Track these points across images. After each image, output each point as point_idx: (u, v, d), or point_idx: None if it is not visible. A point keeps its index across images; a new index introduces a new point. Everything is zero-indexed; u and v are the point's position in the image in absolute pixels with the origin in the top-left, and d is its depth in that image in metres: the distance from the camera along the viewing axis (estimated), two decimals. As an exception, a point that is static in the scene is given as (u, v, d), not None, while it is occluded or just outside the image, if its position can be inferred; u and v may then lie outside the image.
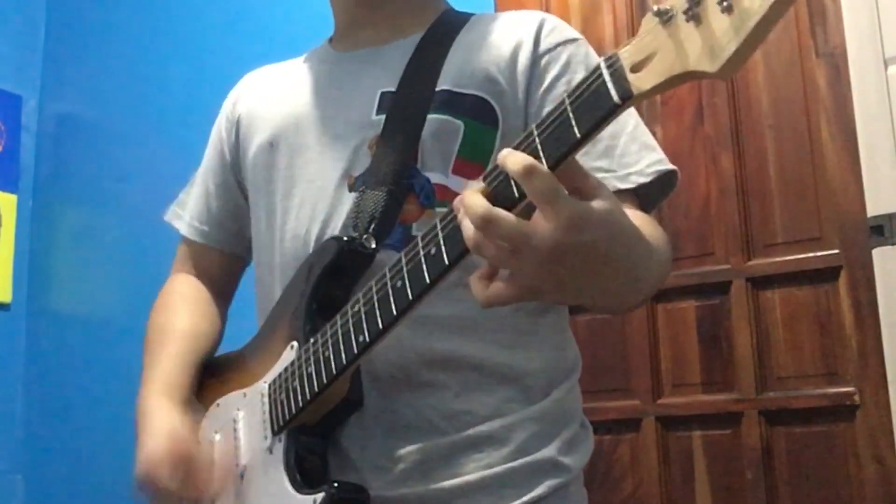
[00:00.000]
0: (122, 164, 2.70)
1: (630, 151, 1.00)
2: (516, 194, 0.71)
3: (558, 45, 1.06)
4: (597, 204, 0.70)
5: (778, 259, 1.91)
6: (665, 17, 0.61)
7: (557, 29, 1.08)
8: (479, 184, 0.74)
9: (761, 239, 1.93)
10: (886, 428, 1.73)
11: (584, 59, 1.06)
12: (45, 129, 2.89)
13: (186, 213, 1.28)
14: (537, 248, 0.69)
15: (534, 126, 0.71)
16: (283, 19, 2.49)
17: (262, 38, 2.49)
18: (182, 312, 1.20)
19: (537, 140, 0.70)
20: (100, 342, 2.61)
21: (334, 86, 1.13)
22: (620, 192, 0.97)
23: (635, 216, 0.93)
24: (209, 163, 1.26)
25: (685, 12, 0.59)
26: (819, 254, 1.86)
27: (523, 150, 0.70)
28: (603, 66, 0.66)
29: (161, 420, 1.06)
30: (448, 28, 1.11)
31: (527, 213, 0.71)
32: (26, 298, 2.77)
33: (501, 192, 0.72)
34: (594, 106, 0.66)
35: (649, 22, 0.63)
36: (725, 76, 0.58)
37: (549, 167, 0.69)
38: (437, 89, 1.04)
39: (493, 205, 0.71)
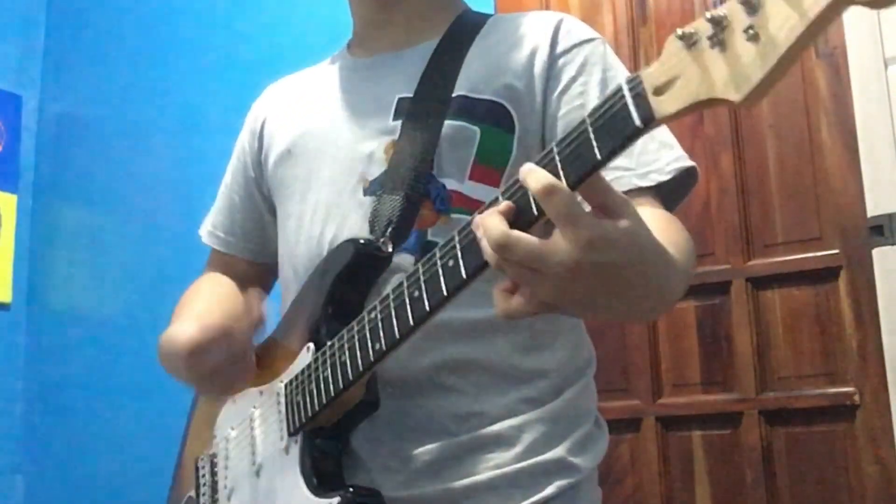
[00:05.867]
0: (122, 164, 2.70)
1: (649, 150, 0.99)
2: (535, 212, 0.70)
3: (574, 46, 1.05)
4: (621, 224, 0.69)
5: (778, 259, 1.91)
6: (690, 42, 0.60)
7: (574, 30, 1.07)
8: (499, 202, 0.73)
9: (761, 239, 1.94)
10: (886, 428, 1.73)
11: (601, 58, 1.05)
12: (45, 129, 2.89)
13: (210, 224, 1.29)
14: (555, 268, 0.68)
15: (553, 144, 0.70)
16: (283, 20, 2.50)
17: (261, 39, 2.50)
18: (208, 289, 1.19)
19: (557, 158, 0.69)
20: (100, 342, 2.61)
21: (352, 92, 1.13)
22: (641, 190, 0.97)
23: (659, 218, 0.91)
24: (233, 174, 1.27)
25: (710, 38, 0.59)
26: (819, 254, 1.86)
27: (543, 168, 0.70)
28: (625, 87, 0.65)
29: (182, 319, 1.03)
30: (465, 31, 1.10)
31: (548, 229, 0.70)
32: (26, 298, 2.78)
33: (521, 208, 0.71)
34: (616, 128, 0.65)
35: (673, 45, 0.62)
36: (750, 105, 0.58)
37: (568, 187, 0.68)
38: (453, 95, 1.04)
39: (513, 220, 0.70)
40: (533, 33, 1.06)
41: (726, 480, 1.89)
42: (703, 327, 1.96)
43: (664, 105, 0.62)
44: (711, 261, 1.97)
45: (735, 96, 0.58)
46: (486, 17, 1.15)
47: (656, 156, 0.99)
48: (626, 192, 0.95)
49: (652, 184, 0.98)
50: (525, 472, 0.97)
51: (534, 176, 0.69)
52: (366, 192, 1.04)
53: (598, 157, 0.67)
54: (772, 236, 1.92)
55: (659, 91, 0.62)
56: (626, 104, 0.64)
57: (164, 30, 2.72)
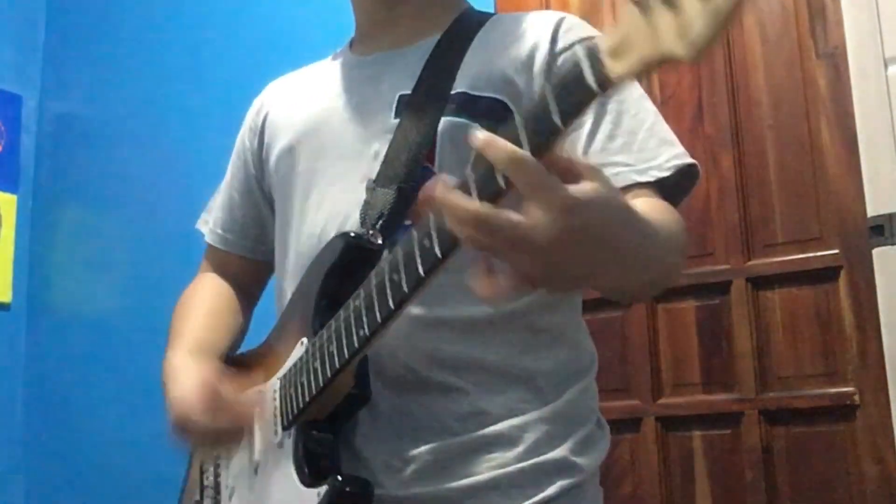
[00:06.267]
0: (122, 164, 2.70)
1: (648, 147, 0.99)
2: (502, 185, 0.69)
3: (575, 43, 1.05)
4: (588, 186, 0.69)
5: (778, 259, 1.91)
6: (643, 4, 0.61)
7: (575, 27, 1.07)
8: (448, 179, 0.72)
9: (761, 239, 1.94)
10: (886, 428, 1.73)
11: None
12: (45, 129, 2.89)
13: (211, 220, 1.29)
14: (533, 239, 0.67)
15: (516, 114, 0.70)
16: (283, 20, 2.49)
17: (261, 38, 2.50)
18: (209, 297, 1.23)
19: (520, 127, 0.69)
20: (100, 342, 2.61)
21: (354, 90, 1.13)
22: (641, 185, 0.97)
23: (649, 203, 0.92)
24: (233, 171, 1.28)
25: None
26: (819, 254, 1.86)
27: (506, 139, 0.69)
28: (580, 52, 0.65)
29: (189, 373, 1.08)
30: (466, 29, 1.11)
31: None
32: (26, 298, 2.78)
33: (485, 183, 0.70)
34: (573, 93, 0.65)
35: (627, 7, 0.63)
36: (696, 60, 0.59)
37: (532, 155, 0.68)
38: (453, 91, 1.04)
39: (479, 196, 0.69)
40: (534, 31, 1.07)
41: (726, 480, 1.89)
42: (703, 327, 1.96)
43: (618, 67, 0.63)
44: (711, 261, 1.97)
45: (681, 52, 0.59)
46: (487, 15, 1.15)
47: (656, 152, 0.99)
48: (624, 188, 0.96)
49: (651, 179, 0.98)
50: (527, 472, 0.97)
51: (496, 148, 0.68)
52: (367, 191, 1.05)
53: (558, 123, 0.66)
54: (772, 236, 1.92)
55: (615, 54, 0.63)
56: (581, 68, 0.65)
57: (164, 30, 2.72)
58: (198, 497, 1.17)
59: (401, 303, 0.81)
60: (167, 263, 2.44)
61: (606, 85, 0.64)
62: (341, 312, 0.92)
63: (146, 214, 2.62)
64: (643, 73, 0.63)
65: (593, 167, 0.71)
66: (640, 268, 0.79)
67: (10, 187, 2.79)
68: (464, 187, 0.71)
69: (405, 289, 0.80)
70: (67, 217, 2.82)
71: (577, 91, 0.65)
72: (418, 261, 0.77)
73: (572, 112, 0.66)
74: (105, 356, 2.57)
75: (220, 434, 1.04)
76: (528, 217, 0.68)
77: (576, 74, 0.65)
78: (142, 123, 2.69)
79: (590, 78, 0.64)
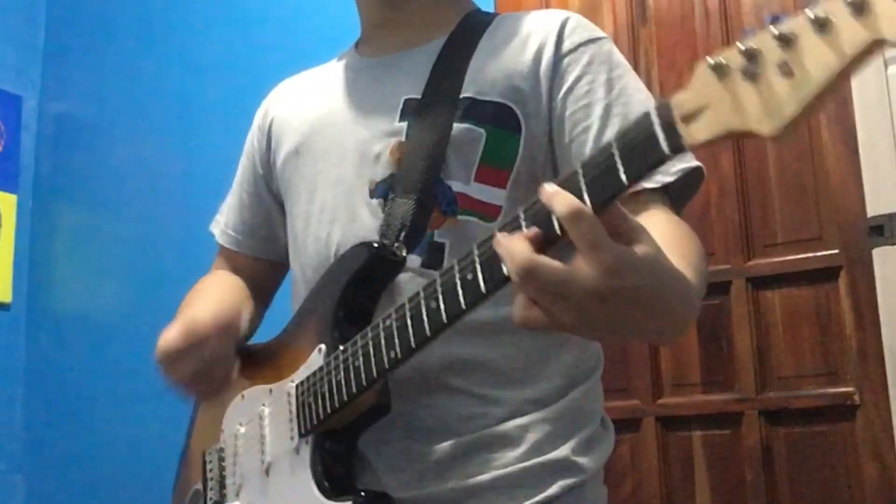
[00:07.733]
0: (122, 164, 2.70)
1: None
2: (558, 232, 0.70)
3: (580, 45, 1.05)
4: (639, 249, 0.69)
5: (778, 259, 1.91)
6: (721, 72, 0.60)
7: (579, 29, 1.07)
8: (520, 219, 0.72)
9: (761, 239, 1.94)
10: (886, 428, 1.73)
11: (607, 58, 1.05)
12: (45, 129, 2.89)
13: (222, 222, 1.30)
14: (577, 293, 0.68)
15: (579, 166, 0.70)
16: (284, 20, 2.50)
17: (261, 39, 2.50)
18: (222, 285, 1.23)
19: (581, 181, 0.69)
20: (100, 342, 2.61)
21: (359, 92, 1.13)
22: (648, 191, 0.97)
23: (671, 232, 0.91)
24: (243, 173, 1.28)
25: (743, 70, 0.59)
26: (819, 254, 1.86)
27: (566, 190, 0.69)
28: (653, 114, 0.65)
29: (205, 304, 1.09)
30: (472, 31, 1.10)
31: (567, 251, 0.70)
32: (26, 298, 2.77)
33: (542, 228, 0.71)
34: (643, 154, 0.65)
35: (703, 73, 0.62)
36: (782, 140, 0.58)
37: (591, 210, 0.68)
38: (460, 97, 1.04)
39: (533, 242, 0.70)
40: (538, 33, 1.06)
41: (726, 480, 1.89)
42: (703, 327, 1.96)
43: (694, 133, 0.62)
44: (711, 261, 1.96)
45: (768, 130, 0.58)
46: (492, 16, 1.15)
47: None
48: (632, 194, 0.96)
49: (657, 185, 0.98)
50: (529, 472, 0.97)
51: (560, 199, 0.68)
52: (372, 194, 1.05)
53: (625, 182, 0.67)
54: (772, 236, 1.92)
55: (687, 119, 0.62)
56: (654, 132, 0.64)
57: (164, 30, 2.72)
58: (199, 486, 1.17)
59: (437, 331, 0.82)
60: (167, 263, 2.45)
61: (679, 150, 0.64)
62: (369, 331, 0.91)
63: (146, 214, 2.62)
64: (722, 141, 0.62)
65: (644, 229, 0.72)
66: (671, 324, 0.79)
67: (10, 187, 2.79)
68: (517, 227, 0.72)
69: (444, 319, 0.80)
70: (67, 217, 2.82)
71: (648, 154, 0.65)
72: (460, 293, 0.78)
73: (641, 174, 0.66)
74: (105, 356, 2.57)
75: (192, 373, 1.03)
76: (576, 272, 0.68)
77: (648, 137, 0.65)
78: (142, 124, 2.69)
79: (664, 143, 0.64)
